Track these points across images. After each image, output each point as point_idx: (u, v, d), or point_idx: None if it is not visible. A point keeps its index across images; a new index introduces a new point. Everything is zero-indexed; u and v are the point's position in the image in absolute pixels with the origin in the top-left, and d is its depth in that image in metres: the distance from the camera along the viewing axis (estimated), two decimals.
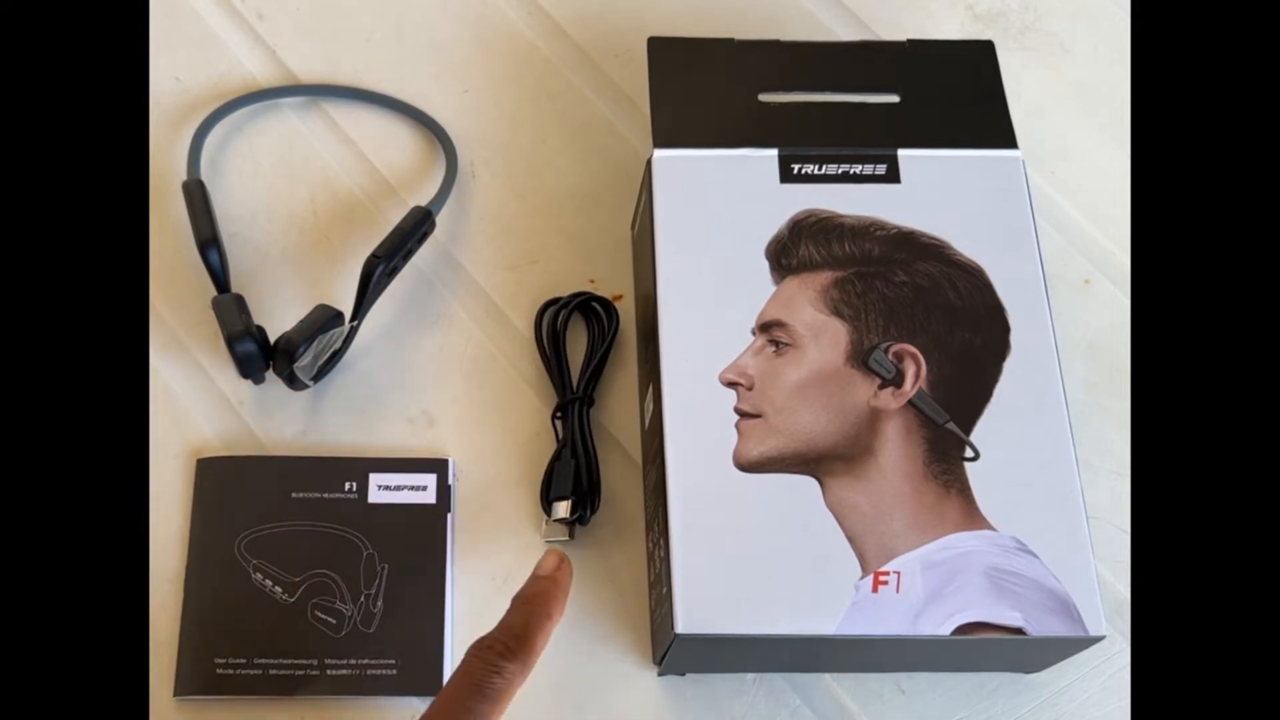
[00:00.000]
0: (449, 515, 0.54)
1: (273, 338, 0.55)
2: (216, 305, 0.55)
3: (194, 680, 0.51)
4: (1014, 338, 0.50)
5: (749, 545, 0.46)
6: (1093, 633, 0.45)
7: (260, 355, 0.54)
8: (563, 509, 0.53)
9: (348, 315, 0.55)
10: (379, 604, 0.52)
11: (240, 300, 0.55)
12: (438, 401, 0.57)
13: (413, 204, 0.59)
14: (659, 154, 0.54)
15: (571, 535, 0.54)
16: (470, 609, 0.53)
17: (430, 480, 0.55)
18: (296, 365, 0.53)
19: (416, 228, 0.57)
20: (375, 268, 0.55)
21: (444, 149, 0.62)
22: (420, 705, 0.51)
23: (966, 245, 0.52)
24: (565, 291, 0.59)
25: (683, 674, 0.52)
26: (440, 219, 0.60)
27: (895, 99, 0.55)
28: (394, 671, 0.51)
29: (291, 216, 0.61)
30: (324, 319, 0.54)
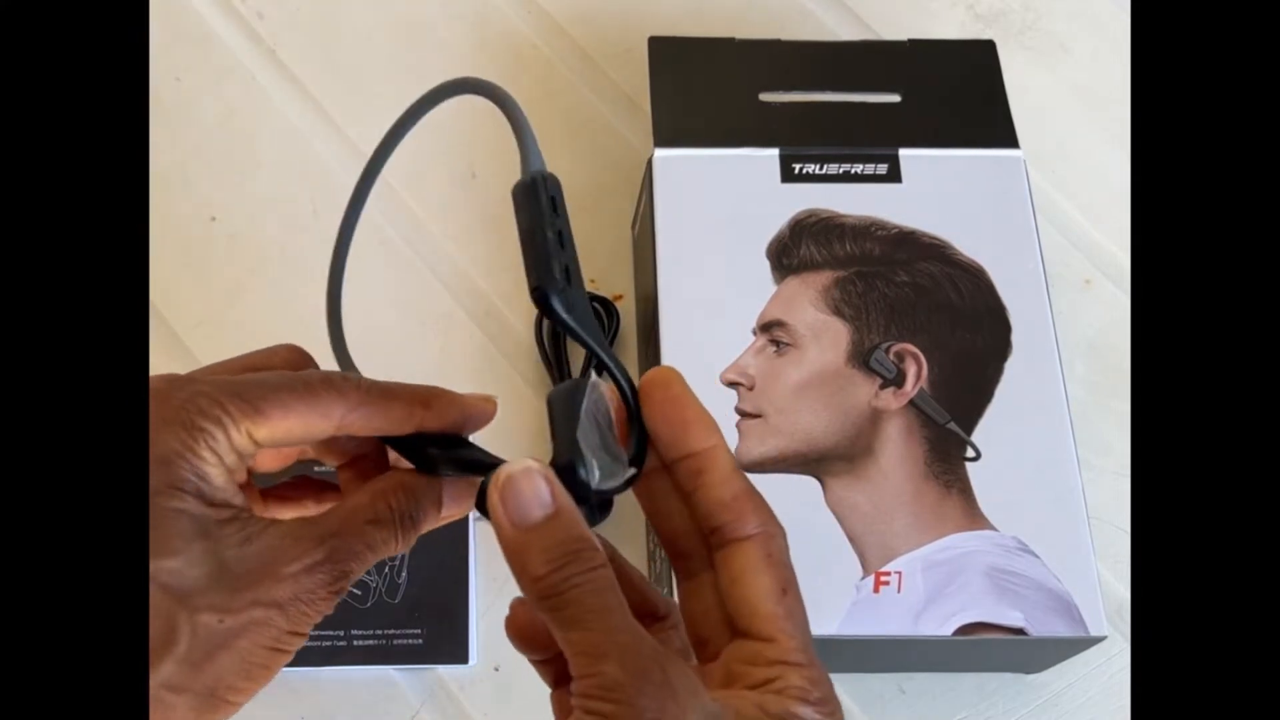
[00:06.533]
0: None
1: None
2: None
3: None
4: (1015, 338, 0.50)
5: None
6: (1093, 633, 0.45)
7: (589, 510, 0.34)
8: None
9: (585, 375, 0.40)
10: (403, 575, 0.53)
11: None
12: None
13: (410, 202, 0.58)
14: (659, 153, 0.54)
15: None
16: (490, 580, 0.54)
17: None
18: (595, 484, 0.34)
19: (540, 204, 0.35)
20: (548, 297, 0.33)
21: (499, 103, 0.35)
22: (446, 673, 0.52)
23: (967, 245, 0.52)
24: None
25: None
26: (440, 219, 0.59)
27: (896, 98, 0.55)
28: (420, 641, 0.52)
29: (293, 217, 0.61)
30: (564, 398, 0.36)
